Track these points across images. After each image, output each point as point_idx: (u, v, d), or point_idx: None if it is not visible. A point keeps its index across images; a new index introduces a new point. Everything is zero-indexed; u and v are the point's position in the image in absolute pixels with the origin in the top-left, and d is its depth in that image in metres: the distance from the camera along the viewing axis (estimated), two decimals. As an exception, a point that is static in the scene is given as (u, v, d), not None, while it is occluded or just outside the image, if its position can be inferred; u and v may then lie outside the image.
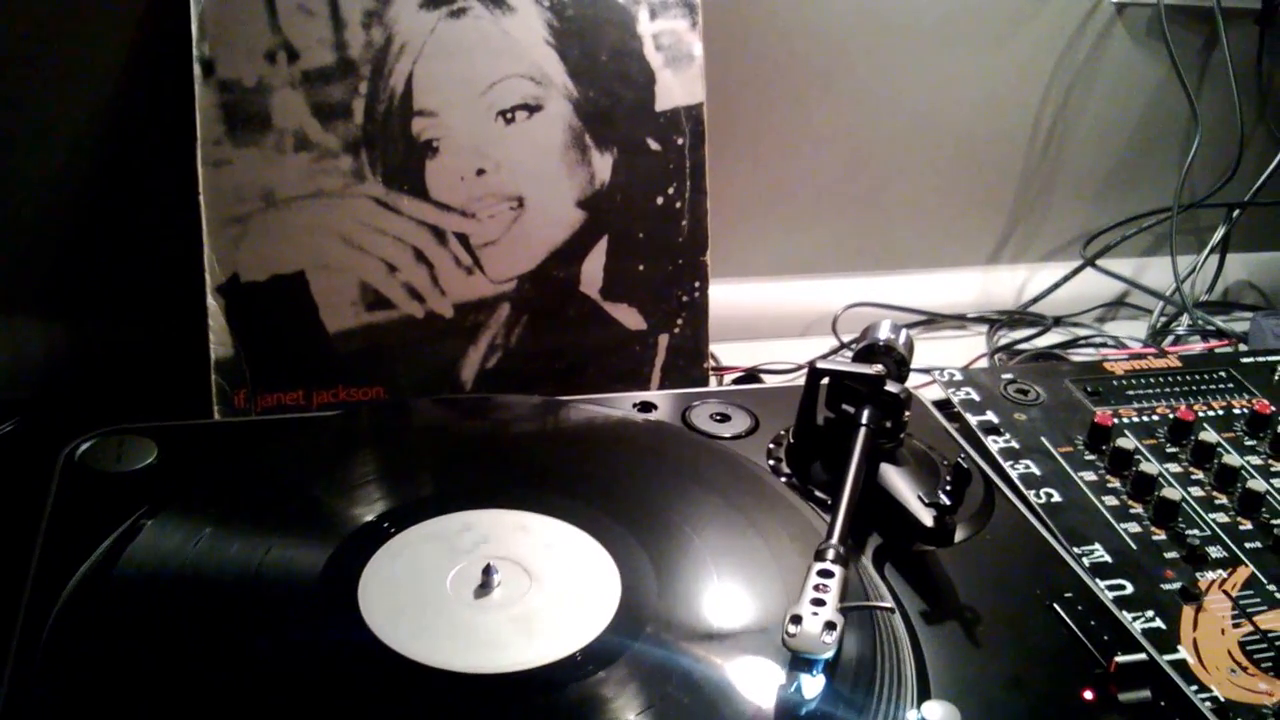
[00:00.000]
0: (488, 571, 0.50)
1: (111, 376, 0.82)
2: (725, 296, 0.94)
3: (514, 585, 0.51)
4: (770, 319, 0.98)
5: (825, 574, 0.48)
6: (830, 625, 0.45)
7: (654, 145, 0.81)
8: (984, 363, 0.94)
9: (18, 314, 0.82)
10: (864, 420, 0.59)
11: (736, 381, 0.88)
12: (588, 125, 0.80)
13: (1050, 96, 1.00)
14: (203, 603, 0.49)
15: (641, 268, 0.81)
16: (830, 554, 0.49)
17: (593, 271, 0.81)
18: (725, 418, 0.69)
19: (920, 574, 0.57)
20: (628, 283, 0.81)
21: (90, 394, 0.82)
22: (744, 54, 0.90)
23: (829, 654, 0.44)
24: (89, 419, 0.67)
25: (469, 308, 0.79)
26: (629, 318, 0.81)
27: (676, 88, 0.81)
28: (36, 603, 0.49)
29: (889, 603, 0.50)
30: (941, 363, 0.91)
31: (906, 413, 0.61)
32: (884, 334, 0.66)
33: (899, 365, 0.65)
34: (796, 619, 0.45)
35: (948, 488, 0.56)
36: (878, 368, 0.61)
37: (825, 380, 0.63)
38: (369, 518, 0.55)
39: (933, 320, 1.02)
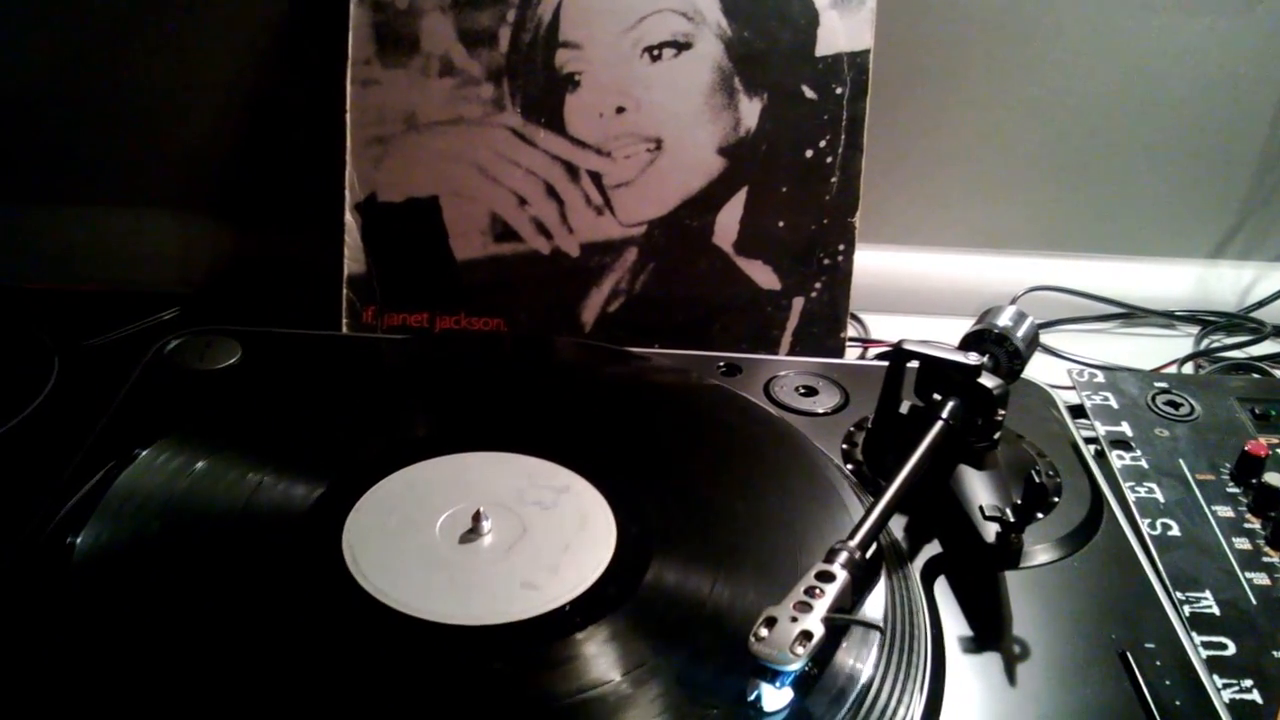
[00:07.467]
0: (478, 518, 0.49)
1: (265, 280, 0.86)
2: (884, 265, 0.87)
3: (505, 533, 0.49)
4: (939, 294, 0.90)
5: (825, 576, 0.43)
6: (806, 635, 0.40)
7: (809, 93, 0.75)
8: (1174, 369, 0.83)
9: (190, 212, 0.87)
10: (944, 414, 0.53)
11: (882, 357, 0.82)
12: (738, 67, 0.75)
13: (1303, 71, 0.86)
14: (187, 536, 0.49)
15: (781, 224, 0.76)
16: (841, 556, 0.44)
17: (728, 223, 0.77)
18: (811, 391, 0.64)
19: (979, 594, 0.50)
20: (765, 239, 0.77)
21: (245, 294, 0.86)
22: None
23: (795, 667, 0.40)
24: (237, 317, 0.70)
25: (595, 248, 0.77)
26: (762, 276, 0.77)
27: (841, 31, 0.75)
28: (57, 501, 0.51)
29: (879, 621, 0.45)
30: (1136, 363, 0.82)
31: (1001, 411, 0.54)
32: (1002, 320, 0.58)
33: (1011, 358, 0.57)
34: (771, 621, 0.41)
35: (1018, 502, 0.49)
36: (976, 357, 0.55)
37: (915, 363, 0.56)
38: (370, 455, 0.54)
39: (1132, 314, 0.91)
